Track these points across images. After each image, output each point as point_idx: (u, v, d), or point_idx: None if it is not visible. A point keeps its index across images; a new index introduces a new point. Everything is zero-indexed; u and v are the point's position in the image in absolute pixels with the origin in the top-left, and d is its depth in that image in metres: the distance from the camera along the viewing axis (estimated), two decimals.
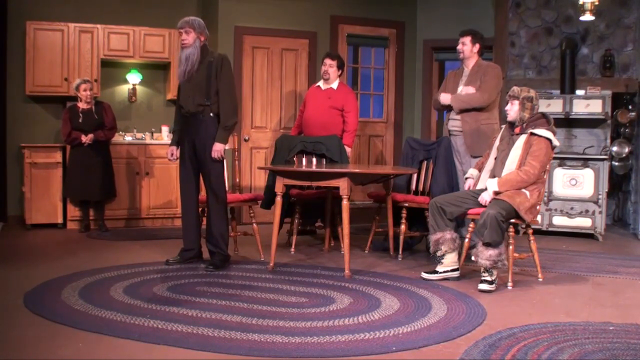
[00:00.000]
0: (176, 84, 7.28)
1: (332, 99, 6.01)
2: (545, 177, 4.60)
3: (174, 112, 5.15)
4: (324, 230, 5.95)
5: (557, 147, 4.61)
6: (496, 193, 4.42)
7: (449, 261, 4.58)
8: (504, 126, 4.85)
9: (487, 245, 4.24)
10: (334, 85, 6.08)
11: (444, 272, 4.58)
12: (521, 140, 4.55)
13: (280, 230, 5.48)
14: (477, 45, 5.51)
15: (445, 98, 5.48)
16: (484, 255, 4.24)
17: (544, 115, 4.60)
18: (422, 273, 4.63)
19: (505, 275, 4.48)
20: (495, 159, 4.74)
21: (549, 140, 4.49)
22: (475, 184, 4.86)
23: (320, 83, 6.18)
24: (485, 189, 4.54)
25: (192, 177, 4.94)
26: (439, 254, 4.57)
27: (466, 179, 4.99)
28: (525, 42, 7.53)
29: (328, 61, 6.07)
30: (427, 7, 8.06)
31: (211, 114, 4.84)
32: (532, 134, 4.50)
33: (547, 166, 4.58)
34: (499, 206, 4.29)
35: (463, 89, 5.48)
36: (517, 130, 4.62)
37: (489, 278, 4.29)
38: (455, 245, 4.57)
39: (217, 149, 4.82)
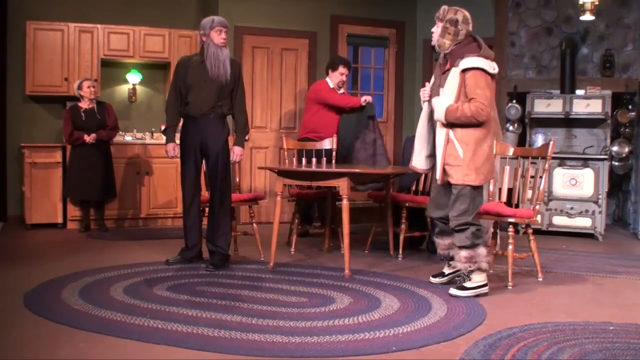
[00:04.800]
0: None
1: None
2: (491, 127, 4.13)
3: (170, 108, 5.01)
4: (322, 230, 5.95)
5: (496, 74, 4.06)
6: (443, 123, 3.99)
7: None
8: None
9: (460, 247, 4.07)
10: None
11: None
12: (452, 78, 4.00)
13: (293, 232, 5.64)
14: None
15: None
16: (457, 257, 4.10)
17: (474, 39, 4.06)
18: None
19: (505, 275, 4.48)
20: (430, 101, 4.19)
21: (483, 69, 3.94)
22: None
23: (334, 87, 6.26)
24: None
25: (195, 177, 4.93)
26: (449, 255, 4.35)
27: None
28: (525, 42, 7.53)
29: (346, 71, 6.21)
30: (427, 7, 8.05)
31: (220, 114, 4.88)
32: (463, 70, 3.95)
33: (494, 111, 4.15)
34: (457, 210, 4.03)
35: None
36: (447, 65, 4.07)
37: (464, 283, 4.11)
38: None
39: (240, 152, 4.99)
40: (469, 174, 4.01)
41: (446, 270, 4.45)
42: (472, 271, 4.08)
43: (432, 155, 4.27)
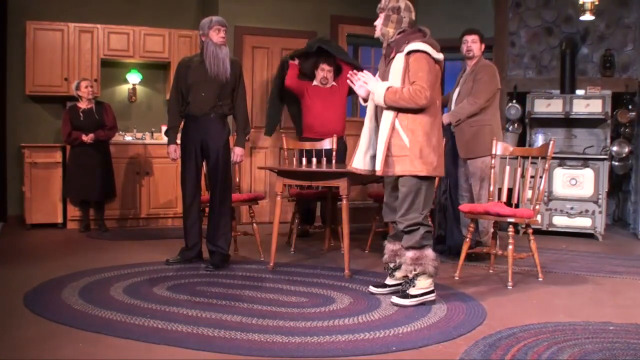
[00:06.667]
0: None
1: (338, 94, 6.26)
2: (438, 117, 3.87)
3: (171, 109, 5.02)
4: (322, 230, 5.95)
5: (440, 60, 3.82)
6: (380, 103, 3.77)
7: (401, 275, 4.01)
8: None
9: (407, 248, 3.82)
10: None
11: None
12: (397, 63, 3.79)
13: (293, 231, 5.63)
14: (483, 45, 5.35)
15: (444, 118, 5.04)
16: (403, 259, 3.85)
17: (419, 29, 3.83)
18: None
19: (505, 275, 4.48)
20: None
21: (427, 53, 3.72)
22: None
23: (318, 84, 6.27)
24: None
25: (195, 177, 4.94)
26: (392, 265, 4.08)
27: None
28: (525, 42, 7.53)
29: (327, 67, 6.21)
30: (427, 7, 8.05)
31: (221, 114, 4.89)
32: (408, 53, 3.74)
33: (438, 98, 3.84)
34: (405, 207, 3.78)
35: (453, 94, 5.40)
36: (392, 53, 3.85)
37: (407, 290, 3.82)
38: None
39: (241, 153, 5.04)
40: (414, 164, 3.73)
41: (389, 282, 4.11)
42: (417, 275, 3.79)
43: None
